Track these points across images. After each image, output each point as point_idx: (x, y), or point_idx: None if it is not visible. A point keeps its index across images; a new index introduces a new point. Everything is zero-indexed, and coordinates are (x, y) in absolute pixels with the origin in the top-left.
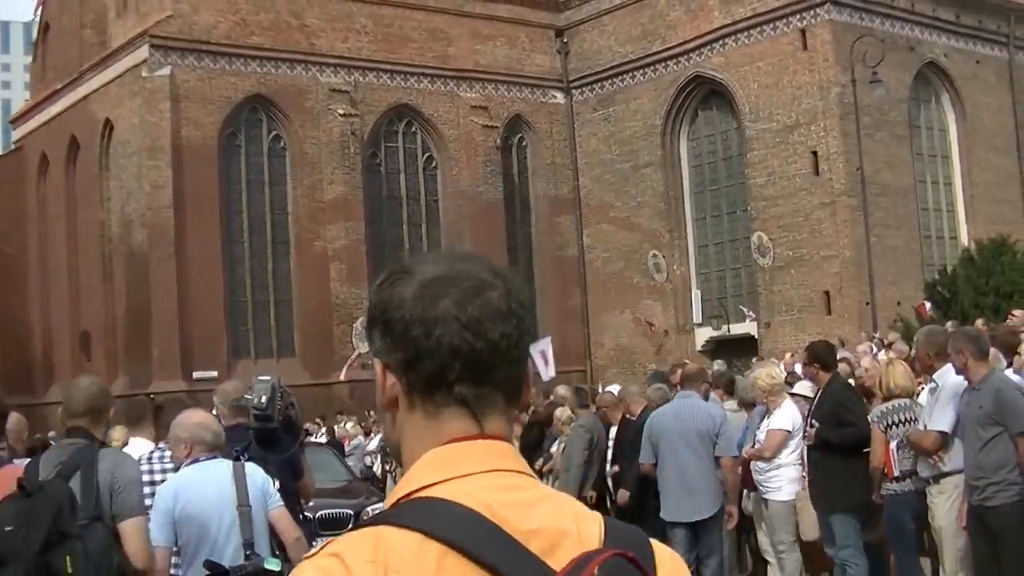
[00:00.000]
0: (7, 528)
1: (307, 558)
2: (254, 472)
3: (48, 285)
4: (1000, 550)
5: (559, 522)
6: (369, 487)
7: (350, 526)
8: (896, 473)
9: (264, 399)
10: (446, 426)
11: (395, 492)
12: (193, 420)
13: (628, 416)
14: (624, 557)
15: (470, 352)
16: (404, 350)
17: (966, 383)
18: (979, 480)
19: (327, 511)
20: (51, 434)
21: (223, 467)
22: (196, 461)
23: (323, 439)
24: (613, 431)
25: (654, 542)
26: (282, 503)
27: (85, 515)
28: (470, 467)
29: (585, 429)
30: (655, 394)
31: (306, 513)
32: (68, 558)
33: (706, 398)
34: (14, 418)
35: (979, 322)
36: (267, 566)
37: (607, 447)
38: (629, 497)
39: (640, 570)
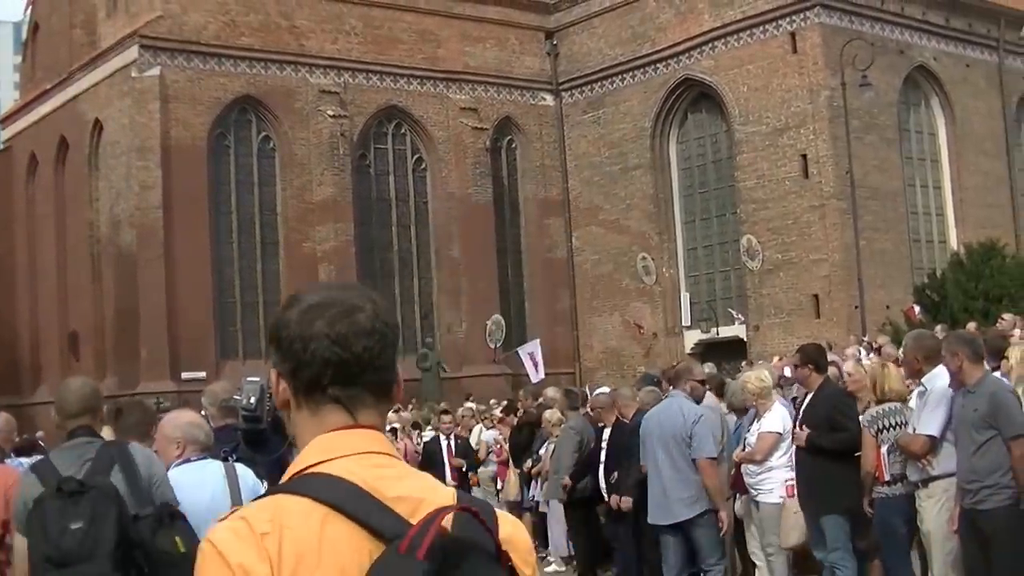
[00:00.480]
0: (76, 526)
1: (219, 521)
2: (245, 473)
3: (36, 285)
4: (992, 553)
5: (420, 492)
6: None
7: None
8: (887, 477)
9: (253, 400)
10: (326, 419)
11: (290, 470)
12: (185, 419)
13: (621, 419)
14: (468, 511)
15: (338, 362)
16: (290, 361)
17: (955, 387)
18: (972, 483)
19: None
20: (39, 434)
21: (215, 468)
22: (187, 461)
23: None
24: (606, 433)
25: (500, 511)
26: None
27: (136, 508)
28: (346, 450)
29: (575, 431)
30: (648, 396)
31: None
32: (178, 538)
33: (699, 399)
34: (3, 418)
35: (971, 325)
36: None
37: (600, 449)
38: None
39: (482, 523)
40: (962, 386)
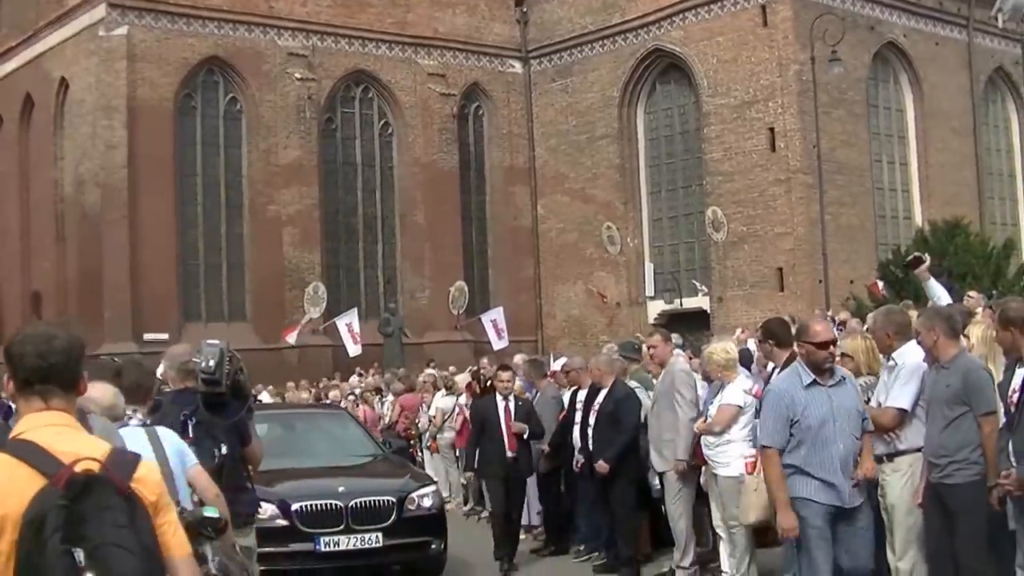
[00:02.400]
0: None
1: None
2: (166, 434)
3: None
4: (956, 528)
5: (81, 448)
6: (405, 463)
7: (393, 518)
8: None
9: (212, 363)
10: (31, 404)
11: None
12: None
13: (598, 386)
14: (99, 463)
15: (38, 371)
16: (13, 369)
17: (930, 362)
18: (941, 458)
19: (362, 499)
20: (2, 395)
21: (138, 433)
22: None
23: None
24: (581, 395)
25: (144, 461)
26: (197, 462)
27: None
28: (39, 423)
29: (556, 400)
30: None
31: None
32: None
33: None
34: None
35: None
36: (207, 514)
37: (575, 410)
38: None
39: (106, 471)
40: (936, 361)
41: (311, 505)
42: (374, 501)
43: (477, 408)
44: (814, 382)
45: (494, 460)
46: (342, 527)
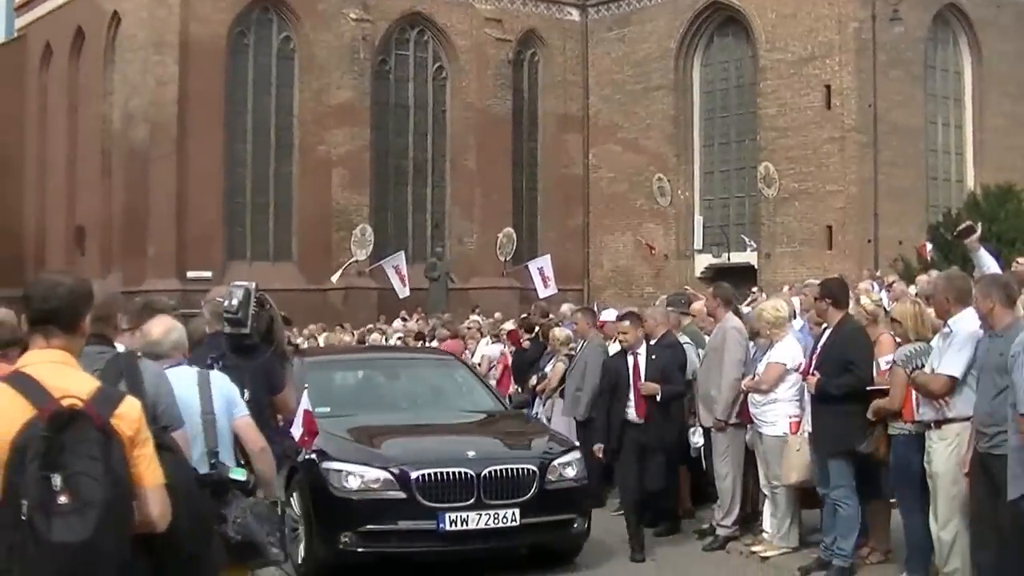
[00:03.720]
0: None
1: None
2: (220, 381)
3: (45, 178)
4: (1000, 498)
5: (72, 384)
6: (540, 422)
7: (533, 490)
8: (917, 416)
9: (235, 302)
10: (36, 342)
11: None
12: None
13: (649, 337)
14: (83, 401)
15: (41, 312)
16: (25, 310)
17: (985, 329)
18: (989, 428)
19: (498, 466)
20: None
21: (188, 375)
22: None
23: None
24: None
25: (128, 398)
26: (247, 413)
27: None
28: (38, 360)
29: (602, 350)
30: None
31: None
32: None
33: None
34: (2, 312)
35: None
36: (232, 476)
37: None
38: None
39: (88, 407)
40: (990, 329)
41: (436, 474)
42: (512, 470)
43: (607, 367)
44: None
45: (619, 428)
46: (472, 501)
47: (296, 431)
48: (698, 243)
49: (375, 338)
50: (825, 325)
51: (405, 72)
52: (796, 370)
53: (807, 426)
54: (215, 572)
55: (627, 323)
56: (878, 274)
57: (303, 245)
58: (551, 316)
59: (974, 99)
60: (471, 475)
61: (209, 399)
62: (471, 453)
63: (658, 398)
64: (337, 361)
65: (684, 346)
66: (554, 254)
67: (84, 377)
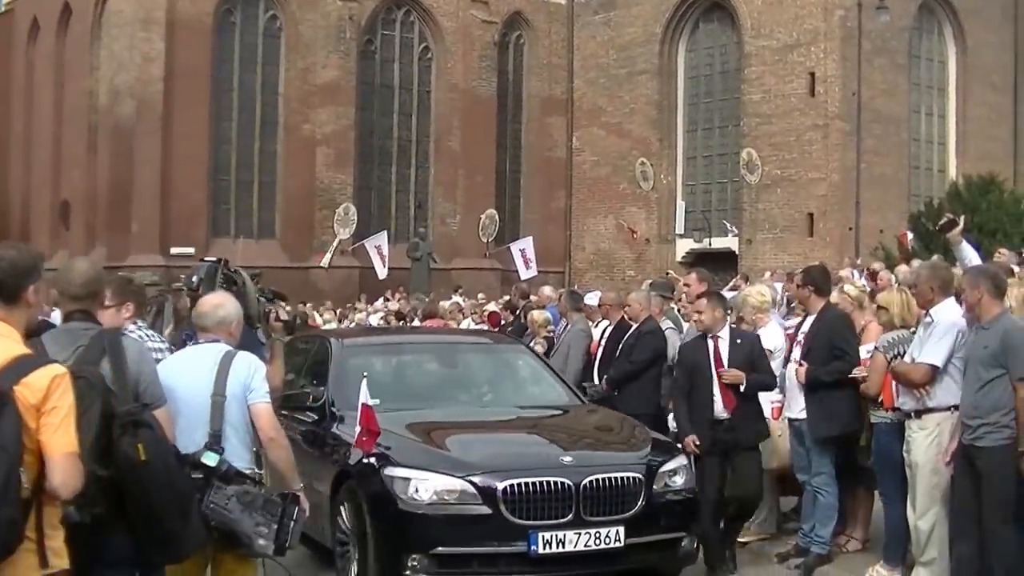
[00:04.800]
0: None
1: None
2: (242, 364)
3: (31, 152)
4: (983, 490)
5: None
6: (634, 421)
7: (641, 504)
8: (897, 404)
9: (195, 279)
10: None
11: None
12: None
13: (628, 321)
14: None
15: None
16: None
17: (970, 321)
18: (973, 419)
19: (598, 475)
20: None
21: (208, 353)
22: (196, 343)
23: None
24: (607, 330)
25: (50, 366)
26: (265, 400)
27: (117, 403)
28: None
29: (585, 333)
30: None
31: None
32: (140, 446)
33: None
34: None
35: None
36: (203, 459)
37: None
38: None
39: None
40: (977, 321)
41: (527, 485)
42: (616, 479)
43: (684, 353)
44: None
45: (702, 425)
46: (570, 517)
47: (353, 430)
48: (680, 228)
49: (359, 318)
50: (807, 313)
51: (391, 52)
52: (787, 357)
53: (788, 412)
54: (194, 550)
55: (704, 302)
56: (859, 262)
57: (286, 223)
58: (532, 298)
59: (958, 89)
60: (569, 486)
61: (224, 380)
62: (566, 459)
63: (742, 388)
64: (382, 345)
65: (666, 332)
66: (536, 236)
67: (9, 346)
